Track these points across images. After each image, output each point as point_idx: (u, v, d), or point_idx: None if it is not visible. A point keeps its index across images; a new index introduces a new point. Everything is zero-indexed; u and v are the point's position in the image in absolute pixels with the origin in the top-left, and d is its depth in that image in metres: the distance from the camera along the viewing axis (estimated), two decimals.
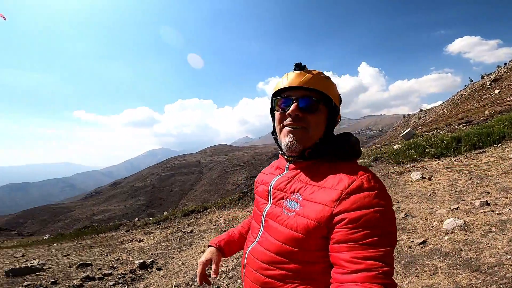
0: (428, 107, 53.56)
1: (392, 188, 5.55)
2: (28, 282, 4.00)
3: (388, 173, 6.87)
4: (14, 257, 6.86)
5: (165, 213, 12.76)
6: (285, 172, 0.97)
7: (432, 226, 3.45)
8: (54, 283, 4.03)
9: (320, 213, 0.80)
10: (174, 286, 3.51)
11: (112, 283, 3.92)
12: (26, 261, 6.00)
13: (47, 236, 14.27)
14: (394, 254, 2.66)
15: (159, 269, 4.37)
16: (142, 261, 4.76)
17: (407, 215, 3.92)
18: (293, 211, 0.85)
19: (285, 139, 0.92)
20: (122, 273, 4.33)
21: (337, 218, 0.77)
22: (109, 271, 4.49)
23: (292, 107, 0.90)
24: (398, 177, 6.36)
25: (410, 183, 5.65)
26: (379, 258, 0.72)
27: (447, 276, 2.45)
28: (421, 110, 53.62)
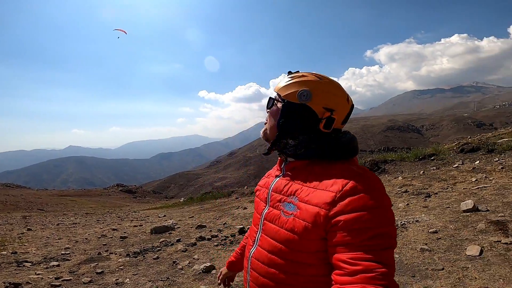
0: None
1: None
2: (163, 239, 5.38)
3: None
4: (159, 217, 9.17)
5: None
6: (282, 174, 1.01)
7: None
8: (178, 240, 5.26)
9: (316, 216, 0.82)
10: None
11: (216, 243, 4.80)
12: (166, 220, 7.94)
13: (182, 199, 18.10)
14: None
15: None
16: (241, 227, 5.53)
17: None
18: (291, 213, 0.88)
19: None
20: (225, 236, 5.20)
21: (332, 220, 0.79)
22: (216, 234, 5.46)
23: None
24: None
25: None
26: (377, 259, 0.72)
27: None
28: None
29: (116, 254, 4.74)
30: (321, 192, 0.83)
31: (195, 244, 4.90)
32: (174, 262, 4.04)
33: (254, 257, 0.97)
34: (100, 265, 4.11)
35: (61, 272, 3.89)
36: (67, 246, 5.56)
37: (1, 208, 15.87)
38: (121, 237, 6.08)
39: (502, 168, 5.56)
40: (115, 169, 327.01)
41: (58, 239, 6.47)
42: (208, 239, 5.13)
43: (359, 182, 0.80)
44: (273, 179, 1.04)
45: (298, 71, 1.00)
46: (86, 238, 6.33)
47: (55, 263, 4.30)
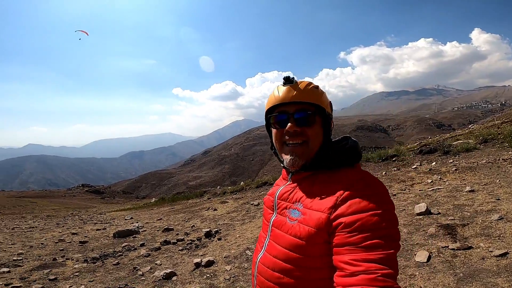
0: None
1: (498, 181, 4.54)
2: (125, 244, 5.19)
3: (498, 160, 5.68)
4: (125, 219, 8.81)
5: (242, 183, 13.85)
6: (288, 183, 1.04)
7: None
8: (142, 245, 5.09)
9: (319, 220, 0.85)
10: (224, 257, 3.96)
11: (181, 248, 4.71)
12: (132, 223, 7.64)
13: (153, 200, 17.56)
14: (457, 263, 2.64)
15: (219, 239, 4.95)
16: (209, 229, 5.46)
17: (502, 218, 3.18)
18: (296, 219, 0.91)
19: (286, 157, 0.97)
20: (191, 240, 5.11)
21: (334, 223, 0.82)
22: (183, 237, 5.35)
23: (289, 124, 0.94)
24: (510, 166, 5.18)
25: None
26: (379, 261, 0.73)
27: None
28: None
29: (72, 260, 4.51)
30: (324, 198, 0.87)
31: (159, 248, 4.77)
32: (134, 268, 3.90)
33: (261, 262, 1.00)
34: (54, 272, 3.91)
35: (11, 278, 3.72)
36: (20, 251, 5.24)
37: None
38: (80, 242, 5.79)
39: (455, 169, 5.94)
40: (80, 169, 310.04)
41: (12, 244, 6.09)
42: (174, 243, 5.02)
43: (360, 186, 0.85)
44: (278, 187, 1.07)
45: (292, 78, 0.97)
46: (42, 243, 5.99)
47: (6, 269, 4.08)
